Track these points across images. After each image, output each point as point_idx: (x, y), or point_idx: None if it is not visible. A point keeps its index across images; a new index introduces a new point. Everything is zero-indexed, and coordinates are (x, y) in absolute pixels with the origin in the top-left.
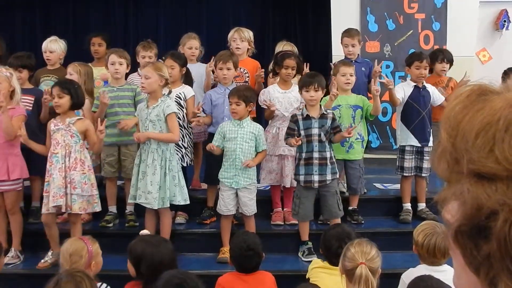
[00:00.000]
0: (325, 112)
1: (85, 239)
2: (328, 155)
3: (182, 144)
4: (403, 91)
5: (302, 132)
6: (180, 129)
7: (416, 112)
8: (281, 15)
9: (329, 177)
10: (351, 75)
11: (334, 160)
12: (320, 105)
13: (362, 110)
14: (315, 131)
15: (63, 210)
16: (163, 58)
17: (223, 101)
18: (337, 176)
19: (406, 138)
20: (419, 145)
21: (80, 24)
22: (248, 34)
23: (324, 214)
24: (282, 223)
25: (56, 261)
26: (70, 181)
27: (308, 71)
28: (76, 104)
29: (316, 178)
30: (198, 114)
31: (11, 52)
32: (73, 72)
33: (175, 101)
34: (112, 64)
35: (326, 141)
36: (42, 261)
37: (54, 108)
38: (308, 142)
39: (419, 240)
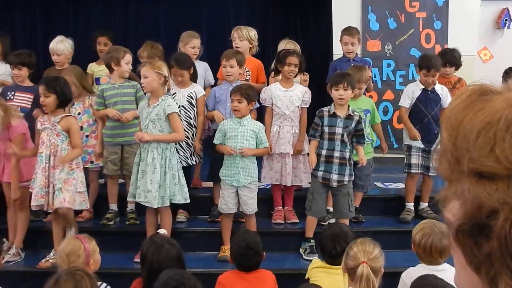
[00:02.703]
0: (352, 114)
1: (81, 237)
2: (347, 155)
3: (191, 143)
4: (411, 93)
5: (326, 129)
6: (190, 128)
7: (423, 114)
8: (282, 14)
9: (346, 178)
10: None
11: (352, 161)
12: (348, 106)
13: (370, 114)
14: (338, 130)
15: (45, 209)
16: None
17: (226, 98)
18: (353, 178)
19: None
20: (422, 146)
21: (80, 22)
22: (248, 32)
23: (335, 213)
24: (283, 222)
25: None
26: (54, 180)
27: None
28: (63, 102)
29: (335, 177)
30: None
31: (12, 50)
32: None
33: (187, 101)
34: (127, 64)
35: (348, 141)
36: (44, 260)
37: (42, 107)
38: (330, 140)
39: (416, 239)
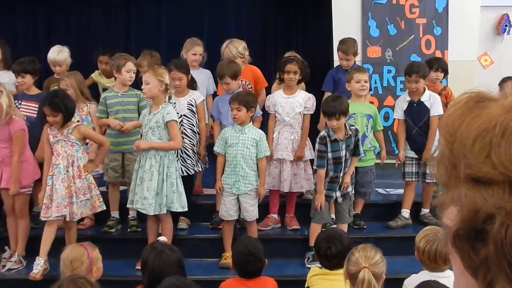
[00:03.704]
0: (350, 133)
1: (84, 245)
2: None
3: (196, 150)
4: (400, 108)
5: (330, 155)
6: (195, 135)
7: (410, 127)
8: (283, 20)
9: (349, 188)
10: (366, 82)
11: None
12: (345, 125)
13: (372, 119)
14: (343, 153)
15: (68, 219)
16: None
17: (228, 108)
18: (353, 186)
19: (405, 149)
20: (416, 156)
21: (82, 29)
22: (237, 49)
23: (336, 218)
24: (265, 229)
25: (47, 268)
26: (76, 190)
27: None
28: (70, 115)
29: (338, 194)
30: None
31: (14, 57)
32: (68, 87)
33: (188, 109)
34: (128, 72)
35: (349, 158)
36: (36, 271)
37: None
38: (335, 163)
39: (421, 246)
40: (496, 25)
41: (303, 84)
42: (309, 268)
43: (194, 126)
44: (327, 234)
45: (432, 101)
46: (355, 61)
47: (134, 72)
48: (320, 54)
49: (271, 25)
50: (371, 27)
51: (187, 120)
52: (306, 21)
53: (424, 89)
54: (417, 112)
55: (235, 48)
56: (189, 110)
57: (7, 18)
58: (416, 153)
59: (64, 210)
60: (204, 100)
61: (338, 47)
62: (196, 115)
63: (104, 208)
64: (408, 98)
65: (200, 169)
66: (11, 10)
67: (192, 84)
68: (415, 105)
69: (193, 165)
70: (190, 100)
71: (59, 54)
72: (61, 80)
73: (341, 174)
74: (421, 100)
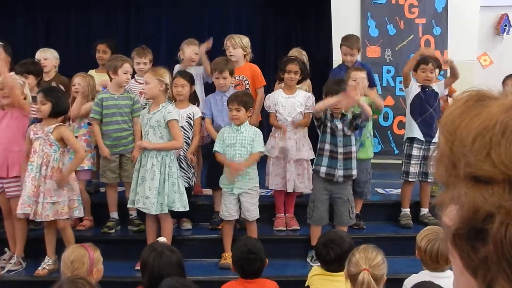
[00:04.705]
0: (345, 113)
1: (86, 246)
2: (353, 149)
3: (191, 164)
4: (415, 83)
5: (328, 123)
6: (188, 148)
7: (424, 108)
8: (282, 21)
9: (354, 172)
10: (362, 79)
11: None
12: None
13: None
14: (339, 126)
15: (31, 218)
16: (173, 77)
17: (222, 109)
18: (356, 173)
19: (412, 130)
20: (423, 139)
21: (82, 33)
22: (241, 40)
23: (335, 220)
24: (285, 229)
25: (54, 268)
26: (45, 190)
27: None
28: (56, 112)
29: (340, 173)
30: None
31: (14, 57)
32: (83, 83)
33: (186, 121)
34: (125, 73)
35: (352, 134)
36: (40, 268)
37: (37, 114)
38: (332, 135)
39: (422, 245)
40: (496, 25)
41: (309, 82)
42: (312, 266)
43: (190, 140)
44: (328, 238)
45: (439, 87)
46: (357, 60)
47: (130, 74)
48: (320, 53)
49: (271, 25)
50: (371, 27)
51: (184, 133)
52: (306, 21)
53: None
54: (430, 96)
55: (240, 39)
56: (187, 123)
57: (7, 18)
58: (425, 136)
59: (27, 208)
60: (201, 116)
61: (342, 43)
62: (193, 129)
63: (82, 215)
64: (420, 84)
65: (193, 184)
66: (11, 10)
67: (194, 99)
68: (427, 89)
69: (188, 178)
70: (190, 114)
71: (44, 50)
72: (77, 75)
73: (340, 150)
74: (432, 86)
